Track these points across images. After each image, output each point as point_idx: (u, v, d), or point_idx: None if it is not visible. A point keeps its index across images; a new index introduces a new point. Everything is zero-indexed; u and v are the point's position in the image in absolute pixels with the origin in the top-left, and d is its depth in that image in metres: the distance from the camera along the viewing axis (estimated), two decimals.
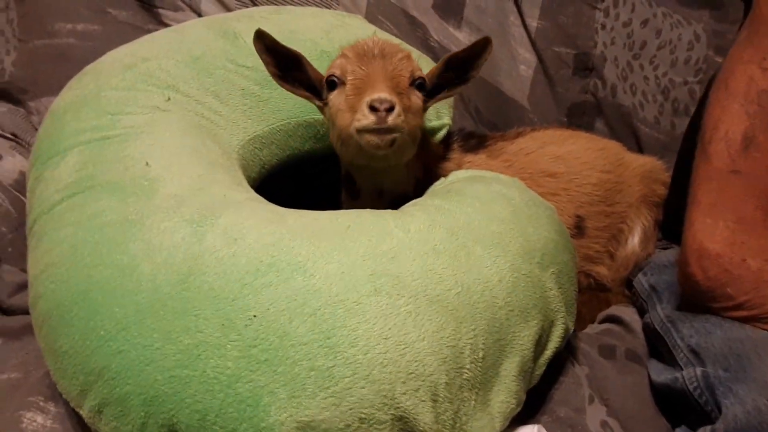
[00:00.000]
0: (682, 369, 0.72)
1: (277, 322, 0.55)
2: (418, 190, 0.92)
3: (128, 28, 1.18)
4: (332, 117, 0.81)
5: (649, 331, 0.89)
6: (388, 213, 0.71)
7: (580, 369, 0.82)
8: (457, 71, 0.82)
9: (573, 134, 1.16)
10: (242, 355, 0.54)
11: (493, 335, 0.63)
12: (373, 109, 0.70)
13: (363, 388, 0.54)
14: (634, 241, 1.09)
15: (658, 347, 0.84)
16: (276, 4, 1.21)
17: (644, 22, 1.30)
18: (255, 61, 0.95)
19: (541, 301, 0.69)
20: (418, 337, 0.57)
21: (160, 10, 1.17)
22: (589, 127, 1.34)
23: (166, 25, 1.18)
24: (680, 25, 1.29)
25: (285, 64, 0.83)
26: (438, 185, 0.87)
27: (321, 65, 0.97)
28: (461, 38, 1.30)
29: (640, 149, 1.31)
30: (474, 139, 1.11)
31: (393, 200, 0.87)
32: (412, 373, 0.56)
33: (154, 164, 0.74)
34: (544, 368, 0.72)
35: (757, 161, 0.70)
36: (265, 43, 0.80)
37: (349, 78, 0.78)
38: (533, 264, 0.70)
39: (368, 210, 0.72)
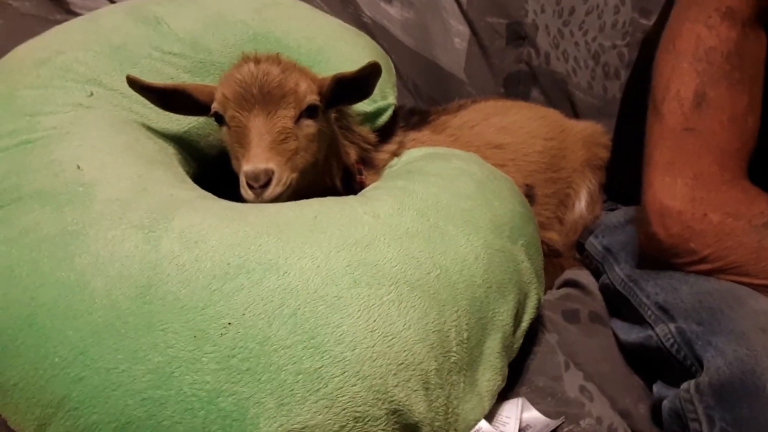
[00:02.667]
0: (651, 326, 0.73)
1: (255, 327, 0.51)
2: (350, 181, 0.90)
3: (33, 20, 1.07)
4: (227, 148, 0.79)
5: (609, 291, 0.90)
6: (353, 199, 0.68)
7: (550, 336, 0.82)
8: (350, 89, 0.78)
9: (514, 104, 1.16)
10: (221, 367, 0.49)
11: (475, 314, 0.61)
12: (249, 185, 0.69)
13: (354, 385, 0.51)
14: (581, 205, 1.11)
15: (620, 307, 0.86)
16: None
17: None
18: (182, 47, 0.88)
19: (515, 274, 0.68)
20: (404, 325, 0.55)
21: None
22: (525, 96, 1.35)
23: (76, 15, 1.08)
24: None
25: (171, 93, 0.78)
26: (394, 166, 0.84)
27: (255, 48, 0.91)
28: (393, 13, 1.27)
29: (575, 114, 1.33)
30: (416, 115, 1.09)
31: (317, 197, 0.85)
32: (402, 363, 0.53)
33: (87, 167, 0.67)
34: (521, 340, 0.71)
35: (709, 117, 0.71)
36: (140, 86, 0.76)
37: (230, 123, 0.75)
38: (504, 238, 0.69)
39: (331, 198, 0.68)
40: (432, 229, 0.63)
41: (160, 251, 0.54)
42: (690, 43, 0.73)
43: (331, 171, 0.87)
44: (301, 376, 0.50)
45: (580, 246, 1.09)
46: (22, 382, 0.51)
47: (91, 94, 0.79)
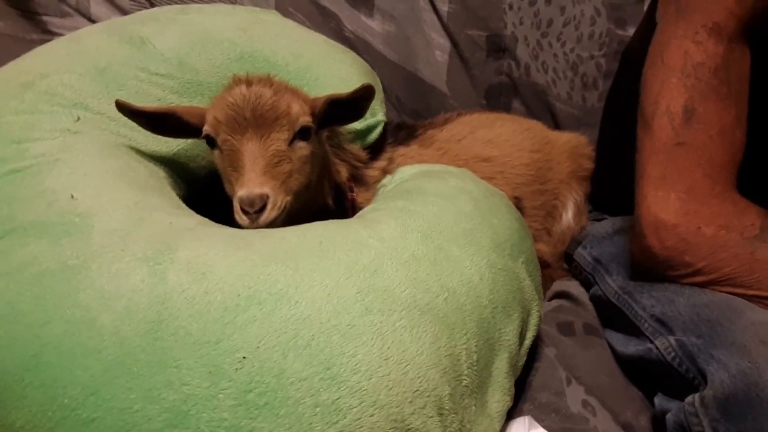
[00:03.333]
0: (649, 339, 0.75)
1: (270, 360, 0.50)
2: (341, 199, 0.90)
3: (9, 40, 1.04)
4: (220, 171, 0.78)
5: (602, 303, 0.91)
6: (354, 222, 0.67)
7: (548, 350, 0.82)
8: (342, 110, 0.78)
9: (498, 117, 1.18)
10: (238, 402, 0.48)
11: (483, 336, 0.62)
12: (244, 211, 0.68)
13: (372, 416, 0.50)
14: (568, 216, 1.13)
15: (614, 318, 0.87)
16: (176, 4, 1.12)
17: (548, 0, 1.33)
18: (169, 67, 0.87)
19: (518, 293, 0.69)
20: (417, 351, 0.55)
21: (45, 17, 1.05)
22: (506, 108, 1.36)
23: (54, 34, 1.05)
24: (581, 0, 1.33)
25: (161, 117, 0.77)
26: (389, 185, 0.84)
27: (242, 68, 0.91)
28: (374, 27, 1.27)
29: (556, 125, 1.35)
30: (403, 130, 1.10)
31: (311, 217, 0.85)
32: (416, 390, 0.53)
33: (81, 196, 0.65)
34: (525, 358, 0.72)
35: (699, 132, 0.73)
36: (129, 110, 0.75)
37: (222, 147, 0.74)
38: (506, 257, 0.69)
39: (333, 221, 0.68)
40: (437, 251, 0.63)
41: (168, 284, 0.53)
42: (678, 58, 0.74)
43: (323, 190, 0.87)
44: (319, 408, 0.49)
45: (567, 257, 1.10)
46: (29, 425, 0.49)
47: (78, 118, 0.77)
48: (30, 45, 1.06)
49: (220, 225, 0.67)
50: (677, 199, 0.73)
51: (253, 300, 0.53)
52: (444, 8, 1.30)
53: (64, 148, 0.72)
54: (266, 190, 0.69)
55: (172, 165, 0.84)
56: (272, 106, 0.74)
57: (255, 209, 0.68)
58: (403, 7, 1.28)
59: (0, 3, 1.05)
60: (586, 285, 1.01)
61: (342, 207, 0.92)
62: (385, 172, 1.00)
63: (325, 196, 0.87)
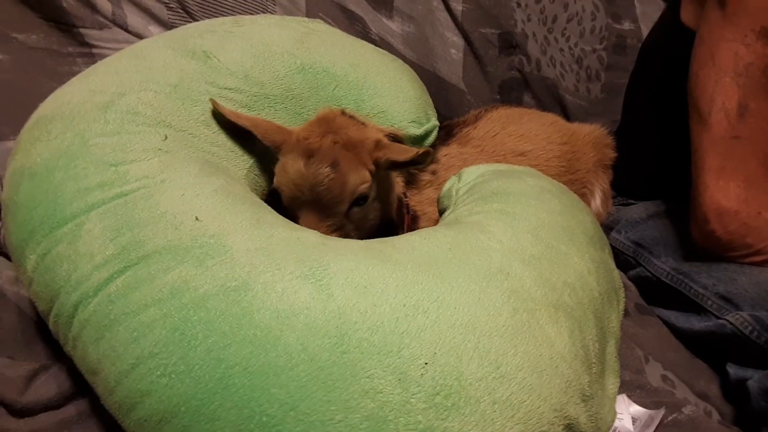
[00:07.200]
0: (714, 315, 0.82)
1: (448, 364, 0.54)
2: (398, 206, 0.95)
3: (43, 54, 1.01)
4: None
5: (650, 283, 0.99)
6: (462, 225, 0.71)
7: None
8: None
9: (523, 112, 1.23)
10: (428, 405, 0.52)
11: (599, 325, 0.67)
12: None
13: (539, 407, 0.55)
14: (597, 203, 1.20)
15: (666, 298, 0.94)
16: (209, 14, 1.12)
17: None
18: (236, 81, 0.88)
19: (612, 282, 0.75)
20: (563, 346, 0.60)
21: (82, 30, 1.02)
22: (518, 101, 1.42)
23: (93, 47, 1.03)
24: None
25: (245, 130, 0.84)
26: (462, 187, 0.88)
27: (304, 79, 0.93)
28: (394, 28, 1.30)
29: (566, 116, 1.42)
30: (442, 130, 1.13)
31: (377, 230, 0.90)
32: (567, 381, 0.58)
33: (204, 217, 0.66)
34: None
35: (752, 126, 0.81)
36: (223, 117, 0.83)
37: (286, 206, 0.81)
38: (597, 249, 0.75)
39: (440, 226, 0.72)
40: (549, 250, 0.68)
41: (337, 300, 0.56)
42: (729, 59, 0.82)
43: (390, 210, 0.91)
44: (496, 405, 0.54)
45: None
46: None
47: (166, 137, 0.77)
48: (66, 58, 1.04)
49: (337, 238, 0.70)
50: (737, 187, 0.81)
51: (419, 309, 0.56)
52: (458, 8, 1.34)
53: (164, 169, 0.72)
54: None
55: (249, 176, 0.86)
56: (328, 188, 0.78)
57: None
58: (420, 8, 1.32)
59: (30, 16, 1.02)
60: (624, 267, 1.09)
61: (399, 213, 0.96)
62: (434, 173, 1.04)
63: (391, 214, 0.91)
